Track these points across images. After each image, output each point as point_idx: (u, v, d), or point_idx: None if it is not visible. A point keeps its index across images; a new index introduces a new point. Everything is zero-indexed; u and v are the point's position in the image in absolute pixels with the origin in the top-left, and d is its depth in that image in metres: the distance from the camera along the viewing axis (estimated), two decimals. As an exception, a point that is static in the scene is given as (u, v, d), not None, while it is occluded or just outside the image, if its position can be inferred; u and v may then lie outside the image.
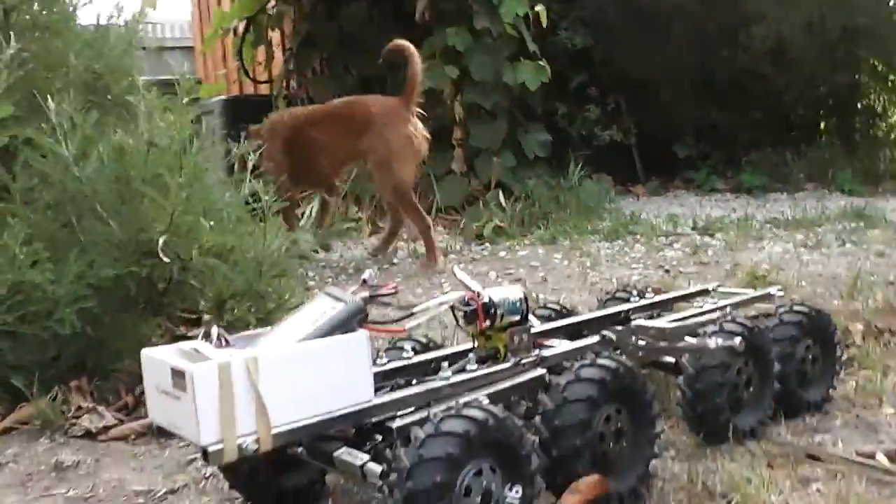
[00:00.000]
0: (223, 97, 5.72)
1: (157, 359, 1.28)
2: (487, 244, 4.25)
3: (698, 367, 1.65)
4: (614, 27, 5.55)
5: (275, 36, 6.09)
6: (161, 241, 2.21)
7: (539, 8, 5.04)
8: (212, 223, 2.37)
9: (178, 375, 1.22)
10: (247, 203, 2.64)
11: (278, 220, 2.64)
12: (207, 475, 1.74)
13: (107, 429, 2.08)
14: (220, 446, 1.21)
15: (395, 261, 3.97)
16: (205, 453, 1.21)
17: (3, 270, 2.13)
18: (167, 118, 2.48)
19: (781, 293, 2.07)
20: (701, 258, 3.63)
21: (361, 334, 1.34)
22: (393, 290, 1.39)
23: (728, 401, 1.67)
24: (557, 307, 2.00)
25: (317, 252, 3.95)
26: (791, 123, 6.37)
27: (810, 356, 1.86)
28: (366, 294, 1.37)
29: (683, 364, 1.68)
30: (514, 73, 4.91)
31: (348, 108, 3.88)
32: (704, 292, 2.11)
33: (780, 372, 1.77)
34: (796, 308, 1.86)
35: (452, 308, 1.51)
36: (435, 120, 5.17)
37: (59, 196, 2.37)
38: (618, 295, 2.12)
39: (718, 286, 2.17)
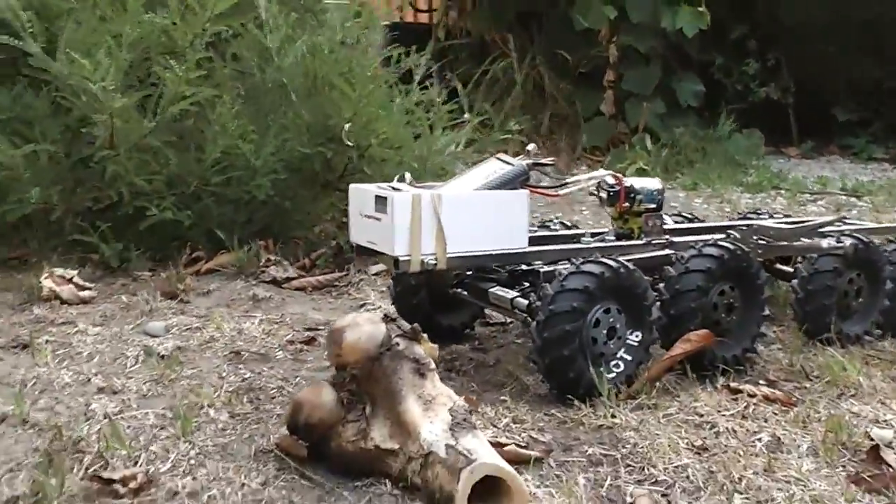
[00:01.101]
0: (386, 22, 6.14)
1: (364, 189, 1.70)
2: (629, 184, 4.52)
3: (811, 271, 1.93)
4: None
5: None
6: (346, 127, 2.64)
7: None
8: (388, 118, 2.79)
9: (380, 201, 1.63)
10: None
11: (443, 123, 3.02)
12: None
13: (289, 279, 2.55)
14: (408, 258, 1.61)
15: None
16: (396, 262, 1.61)
17: (216, 138, 2.61)
18: (354, 26, 2.92)
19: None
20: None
21: (523, 192, 1.71)
22: (552, 162, 1.75)
23: (836, 306, 1.94)
24: (691, 216, 2.31)
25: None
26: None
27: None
28: (529, 161, 1.74)
29: (798, 268, 1.97)
30: (673, 17, 5.09)
31: None
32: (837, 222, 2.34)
33: (892, 291, 2.01)
34: (914, 236, 2.10)
35: (599, 186, 1.85)
36: (588, 60, 5.45)
37: (258, 85, 2.85)
38: (749, 215, 2.40)
39: (845, 218, 2.40)
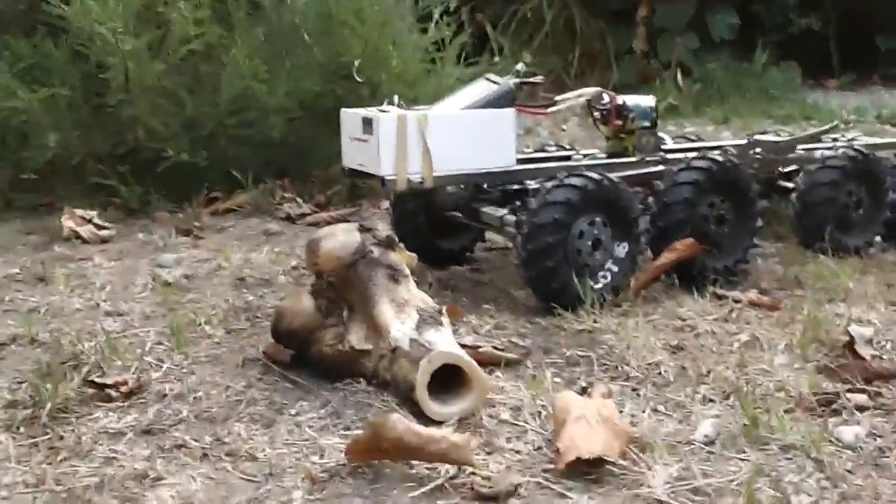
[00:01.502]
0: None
1: (352, 112, 1.74)
2: (656, 119, 4.49)
3: (809, 183, 1.93)
4: None
5: None
6: (356, 63, 2.67)
7: None
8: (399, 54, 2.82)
9: (367, 123, 1.68)
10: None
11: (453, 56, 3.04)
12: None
13: (303, 216, 2.62)
14: (395, 177, 1.66)
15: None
16: (383, 182, 1.66)
17: (231, 80, 2.68)
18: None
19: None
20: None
21: (510, 111, 1.75)
22: (540, 80, 1.77)
23: (836, 218, 1.94)
24: (694, 137, 2.31)
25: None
26: None
27: (932, 194, 2.07)
28: (517, 80, 1.76)
29: (797, 181, 1.97)
30: (709, -53, 4.99)
31: None
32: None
33: (894, 203, 2.00)
34: (921, 148, 2.08)
35: (590, 104, 1.87)
36: (620, -3, 5.39)
37: (272, 26, 2.90)
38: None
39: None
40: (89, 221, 2.44)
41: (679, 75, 4.89)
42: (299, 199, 2.70)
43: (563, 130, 3.96)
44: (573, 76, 5.11)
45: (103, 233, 2.42)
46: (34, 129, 2.57)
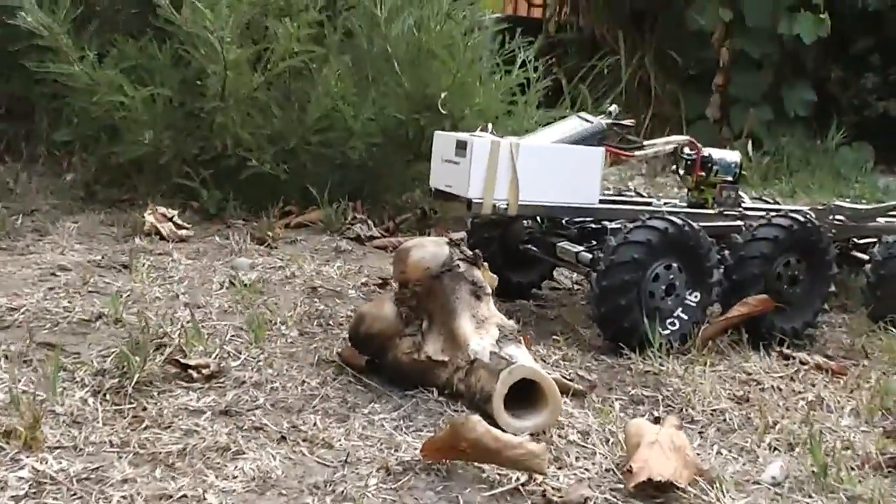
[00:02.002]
0: (497, 14, 6.28)
1: (447, 135, 1.81)
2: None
3: (885, 255, 1.94)
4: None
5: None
6: (443, 95, 2.76)
7: (835, -36, 5.09)
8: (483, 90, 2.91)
9: (460, 146, 1.74)
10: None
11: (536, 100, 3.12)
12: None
13: (371, 238, 2.69)
14: (481, 201, 1.72)
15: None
16: (469, 204, 1.72)
17: (320, 100, 2.78)
18: (462, 2, 3.05)
19: None
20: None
21: (599, 150, 1.80)
22: (631, 123, 1.83)
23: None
24: (772, 200, 2.34)
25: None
26: None
27: None
28: (609, 121, 1.82)
29: (872, 252, 1.98)
30: (790, 22, 5.02)
31: None
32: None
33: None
34: None
35: (676, 152, 1.92)
36: (698, 63, 5.43)
37: (364, 53, 3.01)
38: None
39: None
40: (170, 219, 2.54)
41: (750, 145, 4.90)
42: (370, 222, 2.77)
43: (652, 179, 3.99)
44: (644, 137, 5.15)
45: (182, 232, 2.51)
46: (131, 125, 2.68)
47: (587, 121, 1.82)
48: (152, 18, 2.76)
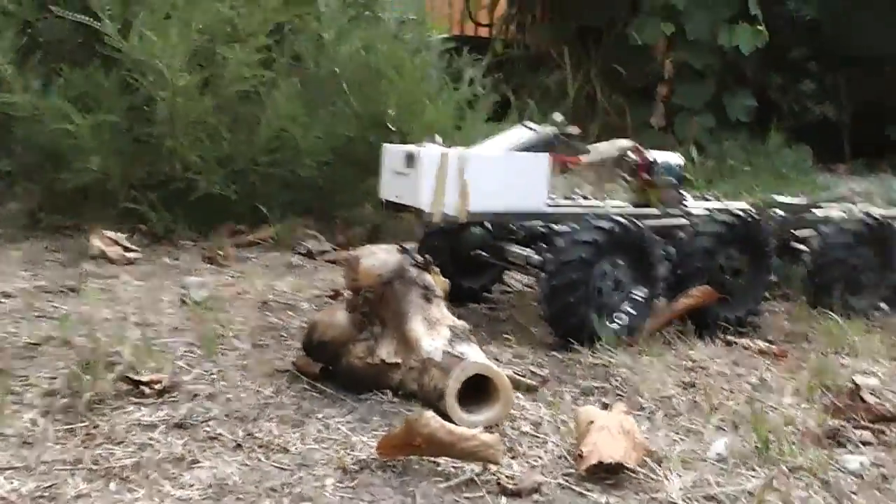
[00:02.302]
0: (445, 35, 6.34)
1: (396, 148, 1.84)
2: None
3: (822, 245, 2.01)
4: (849, 2, 5.62)
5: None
6: (390, 112, 2.79)
7: (769, -23, 5.24)
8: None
9: (409, 157, 1.77)
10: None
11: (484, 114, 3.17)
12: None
13: (323, 253, 2.71)
14: (432, 210, 1.74)
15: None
16: (420, 213, 1.75)
17: (270, 121, 2.79)
18: (409, 23, 3.10)
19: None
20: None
21: (545, 156, 1.84)
22: (575, 130, 1.87)
23: (846, 280, 2.01)
24: (712, 198, 2.40)
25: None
26: None
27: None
28: (554, 129, 1.86)
29: (810, 243, 2.05)
30: (730, 34, 5.16)
31: None
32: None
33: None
34: (937, 218, 2.16)
35: (621, 156, 1.96)
36: (643, 76, 5.55)
37: (311, 75, 3.03)
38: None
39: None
40: (118, 243, 2.53)
41: (694, 151, 5.01)
42: (321, 237, 2.79)
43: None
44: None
45: (130, 254, 2.50)
46: (78, 152, 2.67)
47: (532, 129, 1.87)
48: (99, 47, 2.75)
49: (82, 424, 1.30)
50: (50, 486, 1.11)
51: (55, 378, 1.47)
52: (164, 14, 2.68)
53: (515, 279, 2.31)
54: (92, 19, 2.61)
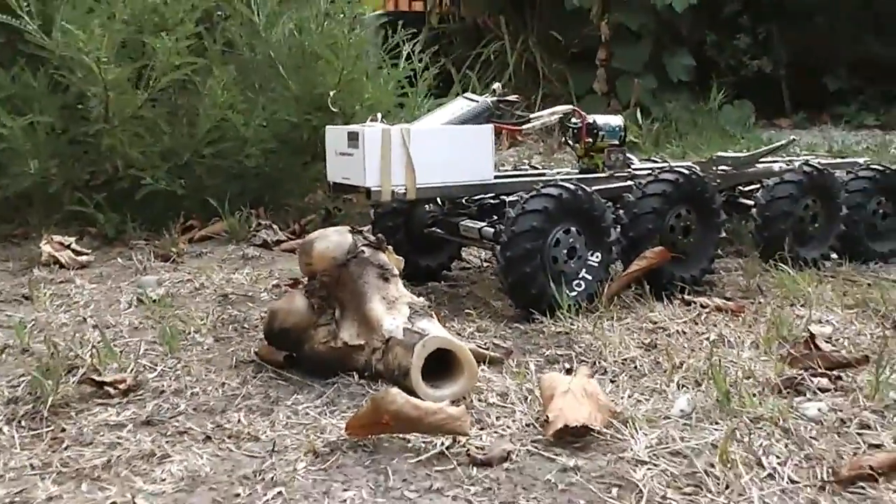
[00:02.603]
0: (379, 12, 6.31)
1: (338, 128, 1.84)
2: (619, 156, 4.65)
3: (768, 198, 2.06)
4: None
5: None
6: (331, 94, 2.78)
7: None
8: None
9: (352, 137, 1.77)
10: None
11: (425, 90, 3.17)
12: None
13: (278, 242, 2.69)
14: (379, 188, 1.75)
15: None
16: (368, 193, 1.75)
17: (208, 111, 2.76)
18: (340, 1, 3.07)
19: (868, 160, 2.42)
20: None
21: (488, 127, 1.85)
22: (516, 99, 1.89)
23: (793, 231, 2.07)
24: (659, 159, 2.44)
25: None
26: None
27: (881, 211, 2.21)
28: (494, 98, 1.87)
29: (756, 197, 2.09)
30: (662, -7, 5.21)
31: None
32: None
33: (847, 217, 2.13)
34: (872, 166, 2.22)
35: (562, 122, 1.99)
36: (581, 40, 5.59)
37: (247, 61, 3.00)
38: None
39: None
40: (67, 247, 2.49)
41: (639, 114, 5.07)
42: (275, 227, 2.78)
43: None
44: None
45: (82, 258, 2.46)
46: (13, 156, 2.62)
47: (473, 100, 1.88)
48: (22, 46, 2.70)
49: (48, 429, 1.29)
50: (21, 492, 1.11)
51: (16, 386, 1.46)
52: (86, 8, 2.64)
53: (474, 255, 2.33)
54: (10, 17, 2.55)
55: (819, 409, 1.23)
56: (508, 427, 1.21)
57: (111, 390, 1.42)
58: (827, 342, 1.54)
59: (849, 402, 1.29)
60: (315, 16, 2.95)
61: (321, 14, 2.94)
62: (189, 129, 2.80)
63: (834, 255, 2.17)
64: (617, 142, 2.04)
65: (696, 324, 1.69)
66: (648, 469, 1.07)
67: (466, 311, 1.81)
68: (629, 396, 1.33)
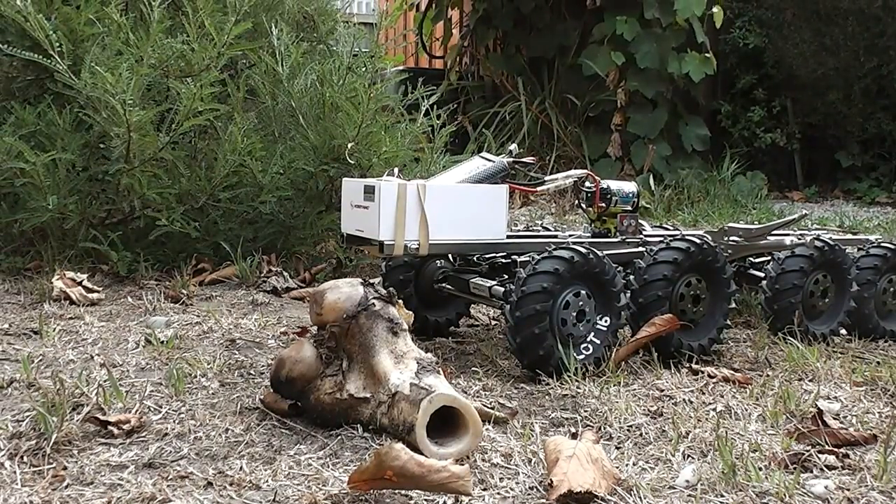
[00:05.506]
0: (400, 67, 6.41)
1: (355, 181, 1.86)
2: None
3: (778, 270, 2.06)
4: (790, 27, 5.81)
5: (454, 14, 6.73)
6: (349, 146, 2.81)
7: (716, 9, 5.39)
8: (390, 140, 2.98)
9: (368, 191, 1.79)
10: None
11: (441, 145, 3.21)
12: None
13: (288, 290, 2.71)
14: (392, 242, 1.76)
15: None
16: (381, 246, 1.76)
17: (227, 156, 2.80)
18: (363, 55, 3.13)
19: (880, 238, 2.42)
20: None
21: (503, 187, 1.87)
22: (531, 161, 1.91)
23: (803, 305, 2.07)
24: (670, 226, 2.45)
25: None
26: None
27: (891, 289, 2.21)
28: (510, 159, 1.89)
29: (767, 269, 2.10)
30: (679, 63, 5.29)
31: None
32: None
33: (857, 294, 2.14)
34: (883, 244, 2.23)
35: (576, 186, 2.01)
36: (597, 104, 5.66)
37: (268, 109, 3.05)
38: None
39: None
40: (79, 284, 2.51)
41: (651, 180, 5.10)
42: (285, 274, 2.79)
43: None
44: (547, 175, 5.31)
45: (93, 295, 2.48)
46: (33, 192, 2.65)
47: (489, 160, 1.90)
48: (50, 84, 2.75)
49: (50, 466, 1.29)
50: (19, 530, 1.10)
51: (21, 421, 1.46)
52: (115, 50, 2.69)
53: (482, 312, 2.33)
54: (42, 56, 2.61)
55: (826, 487, 1.22)
56: (511, 489, 1.20)
57: (115, 430, 1.42)
58: (835, 419, 1.54)
59: (856, 481, 1.27)
60: (337, 68, 3.01)
61: (343, 67, 2.99)
62: (207, 173, 2.84)
63: (843, 331, 2.16)
64: (630, 208, 2.05)
65: (703, 393, 1.68)
66: (651, 539, 1.06)
67: (473, 368, 1.81)
68: (634, 464, 1.32)
